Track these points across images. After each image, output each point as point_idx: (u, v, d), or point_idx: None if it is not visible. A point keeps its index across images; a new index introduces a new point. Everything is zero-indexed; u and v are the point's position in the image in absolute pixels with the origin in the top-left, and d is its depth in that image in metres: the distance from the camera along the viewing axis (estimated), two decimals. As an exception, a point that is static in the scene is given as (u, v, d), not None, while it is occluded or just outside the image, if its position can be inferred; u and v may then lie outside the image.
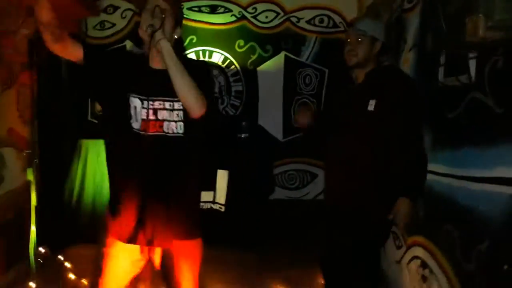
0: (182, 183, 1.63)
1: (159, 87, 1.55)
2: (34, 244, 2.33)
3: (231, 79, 4.14)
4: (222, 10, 4.06)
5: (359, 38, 2.02)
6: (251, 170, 3.25)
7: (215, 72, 4.08)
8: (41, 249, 2.71)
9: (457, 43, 1.44)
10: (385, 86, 2.00)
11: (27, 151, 2.37)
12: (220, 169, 3.15)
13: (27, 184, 2.47)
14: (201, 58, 4.05)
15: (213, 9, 4.05)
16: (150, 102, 1.57)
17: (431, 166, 2.07)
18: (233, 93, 4.15)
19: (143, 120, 1.56)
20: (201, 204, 3.15)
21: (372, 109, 1.97)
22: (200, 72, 1.61)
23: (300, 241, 3.34)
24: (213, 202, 3.15)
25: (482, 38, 1.16)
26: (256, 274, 2.93)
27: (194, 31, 4.05)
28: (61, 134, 3.61)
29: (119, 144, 1.62)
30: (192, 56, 4.04)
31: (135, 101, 1.57)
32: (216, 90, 3.95)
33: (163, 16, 1.51)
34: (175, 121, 1.57)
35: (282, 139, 4.20)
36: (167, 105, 1.58)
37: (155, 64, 1.60)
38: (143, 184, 1.57)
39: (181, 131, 1.58)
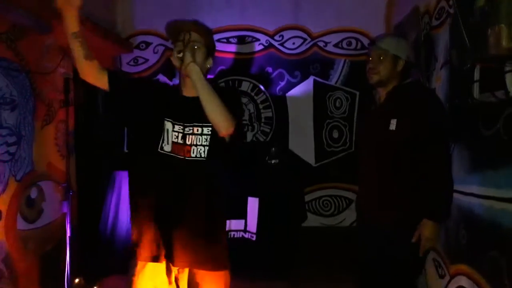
0: (207, 208, 1.63)
1: (191, 113, 1.61)
2: (69, 275, 2.37)
3: (260, 106, 4.16)
4: (249, 40, 4.14)
5: (381, 56, 1.96)
6: (282, 197, 3.19)
7: (244, 100, 4.13)
8: (77, 280, 2.75)
9: (480, 56, 1.36)
10: (406, 103, 1.91)
11: (63, 184, 2.45)
12: (250, 196, 3.11)
13: (64, 217, 2.55)
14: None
15: (241, 40, 4.14)
16: (181, 127, 1.62)
17: (469, 188, 1.94)
18: (263, 120, 4.16)
19: (173, 143, 1.62)
20: (232, 233, 3.16)
21: (394, 129, 1.88)
22: (230, 96, 1.66)
23: (336, 270, 3.20)
24: (244, 230, 3.11)
25: (506, 49, 1.08)
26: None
27: (223, 61, 4.14)
28: (97, 166, 3.74)
29: (147, 165, 1.65)
30: (222, 85, 4.13)
31: (168, 125, 1.64)
32: (246, 117, 3.98)
33: (194, 46, 1.60)
34: (203, 146, 1.61)
35: (315, 164, 4.13)
36: (195, 130, 1.62)
37: (187, 92, 1.67)
38: (168, 205, 1.61)
39: (204, 155, 1.61)
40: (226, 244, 1.72)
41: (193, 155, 1.60)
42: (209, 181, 1.63)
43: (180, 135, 1.61)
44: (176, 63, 1.60)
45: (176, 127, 1.62)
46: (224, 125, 1.54)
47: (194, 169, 1.60)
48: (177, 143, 1.61)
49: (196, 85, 1.54)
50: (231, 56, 4.15)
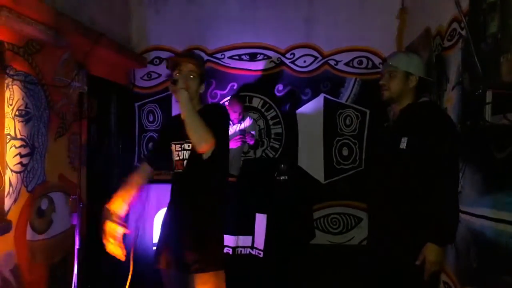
0: (193, 215, 1.82)
1: (184, 132, 1.79)
2: (76, 287, 2.37)
3: (270, 122, 4.18)
4: (261, 57, 4.18)
5: (391, 73, 1.97)
6: (291, 214, 3.17)
7: (255, 115, 4.15)
8: (84, 293, 2.75)
9: (492, 82, 1.35)
10: (418, 123, 1.90)
11: (73, 196, 2.47)
12: (258, 213, 3.10)
13: (73, 228, 2.57)
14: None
15: (252, 57, 4.19)
16: (178, 145, 1.88)
17: (481, 210, 1.91)
18: (272, 136, 4.17)
19: (176, 160, 1.88)
20: (240, 249, 3.14)
21: (404, 147, 1.87)
22: (211, 110, 1.89)
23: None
24: (252, 247, 3.09)
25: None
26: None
27: (234, 78, 4.19)
28: (107, 179, 3.77)
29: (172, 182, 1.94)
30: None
31: (172, 147, 1.92)
32: (256, 133, 3.99)
33: (190, 75, 1.83)
34: (187, 159, 1.84)
35: (324, 181, 4.11)
36: (186, 146, 1.86)
37: (183, 115, 1.86)
38: (172, 213, 1.89)
39: (184, 168, 1.84)
40: (215, 246, 1.84)
41: (186, 168, 1.84)
42: (193, 192, 1.83)
43: (178, 152, 1.87)
44: (171, 89, 1.82)
45: (176, 146, 1.89)
46: (197, 144, 1.73)
47: (185, 180, 1.85)
48: (177, 159, 1.87)
49: (183, 108, 1.75)
50: (243, 72, 4.19)
